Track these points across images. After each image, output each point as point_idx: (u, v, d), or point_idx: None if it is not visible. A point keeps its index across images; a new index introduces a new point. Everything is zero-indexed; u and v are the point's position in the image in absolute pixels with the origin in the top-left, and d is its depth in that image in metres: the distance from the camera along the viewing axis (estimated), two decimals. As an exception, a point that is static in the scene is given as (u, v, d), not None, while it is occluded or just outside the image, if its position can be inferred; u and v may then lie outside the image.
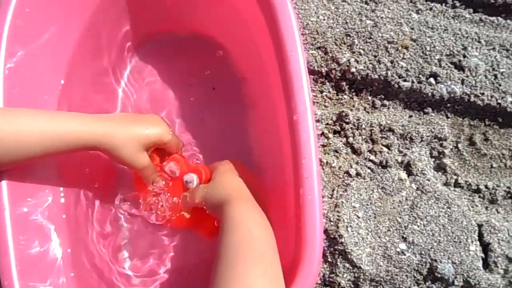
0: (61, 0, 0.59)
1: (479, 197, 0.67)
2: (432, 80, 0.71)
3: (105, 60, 0.68)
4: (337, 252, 0.63)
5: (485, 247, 0.63)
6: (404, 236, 0.63)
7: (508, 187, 0.68)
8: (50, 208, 0.55)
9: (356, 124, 0.70)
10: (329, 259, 0.64)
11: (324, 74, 0.73)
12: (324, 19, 0.75)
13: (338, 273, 0.63)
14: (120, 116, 0.58)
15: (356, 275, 0.63)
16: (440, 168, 0.69)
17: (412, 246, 0.63)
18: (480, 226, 0.64)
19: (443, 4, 0.78)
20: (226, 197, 0.49)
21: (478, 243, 0.63)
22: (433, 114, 0.72)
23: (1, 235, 0.47)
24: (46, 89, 0.59)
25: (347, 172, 0.67)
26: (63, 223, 0.56)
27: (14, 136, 0.44)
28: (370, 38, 0.73)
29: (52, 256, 0.53)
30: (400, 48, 0.72)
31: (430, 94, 0.70)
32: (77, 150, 0.50)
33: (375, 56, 0.72)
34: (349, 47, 0.73)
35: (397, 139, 0.69)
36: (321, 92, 0.73)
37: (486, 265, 0.62)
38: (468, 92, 0.70)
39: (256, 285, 0.36)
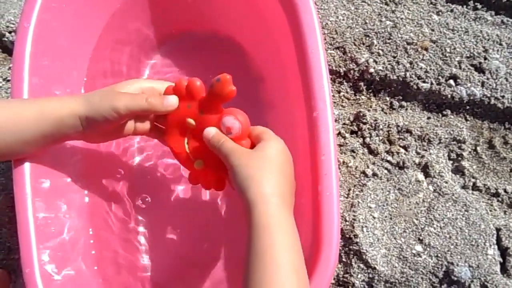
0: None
1: (498, 201, 0.67)
2: (451, 82, 0.70)
3: (126, 59, 0.69)
4: (352, 252, 0.63)
5: (504, 252, 0.62)
6: (420, 238, 0.63)
7: (528, 192, 0.67)
8: (73, 202, 0.56)
9: (374, 125, 0.70)
10: (344, 259, 0.64)
11: (342, 74, 0.73)
12: (343, 19, 0.75)
13: (352, 273, 0.63)
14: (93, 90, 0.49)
15: (371, 275, 0.62)
16: (458, 170, 0.68)
17: (428, 248, 0.62)
18: (498, 230, 0.63)
19: (464, 6, 0.77)
20: (267, 196, 0.39)
21: (496, 247, 0.62)
22: (452, 116, 0.71)
23: (24, 225, 0.48)
24: (68, 83, 0.60)
25: (363, 172, 0.67)
26: (85, 211, 0.57)
27: (9, 122, 0.44)
28: (389, 38, 0.73)
29: (73, 244, 0.54)
30: (419, 49, 0.72)
31: (449, 96, 0.70)
32: (70, 130, 0.46)
33: (394, 57, 0.72)
34: (368, 47, 0.73)
35: (415, 141, 0.69)
36: (339, 92, 0.73)
37: (504, 269, 0.61)
38: (488, 95, 0.69)
39: None
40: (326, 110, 0.46)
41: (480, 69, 0.71)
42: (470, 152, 0.69)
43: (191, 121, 0.49)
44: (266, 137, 0.45)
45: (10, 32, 0.82)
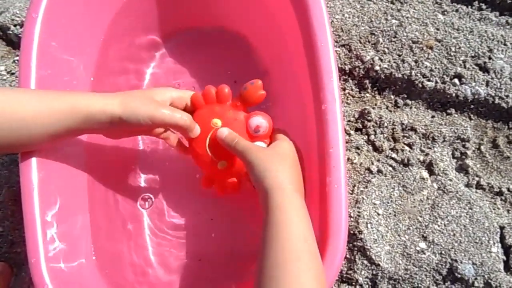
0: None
1: (501, 199, 0.67)
2: (456, 80, 0.70)
3: (133, 52, 0.70)
4: (356, 248, 0.63)
5: (507, 250, 0.62)
6: (424, 235, 0.63)
7: (531, 191, 0.67)
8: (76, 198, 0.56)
9: (378, 122, 0.70)
10: (348, 255, 0.63)
11: (348, 71, 0.73)
12: (349, 17, 0.75)
13: (356, 270, 0.63)
14: (128, 91, 0.52)
15: (374, 272, 0.62)
16: (462, 169, 0.68)
17: (432, 246, 0.62)
18: (502, 228, 0.63)
19: (469, 6, 0.77)
20: (282, 184, 0.44)
21: (499, 245, 0.62)
22: (456, 115, 0.71)
23: (29, 214, 0.48)
24: (76, 74, 0.60)
25: (368, 169, 0.67)
26: (88, 205, 0.57)
27: (42, 115, 0.44)
28: (395, 37, 0.73)
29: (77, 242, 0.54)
30: (424, 48, 0.72)
31: (454, 94, 0.70)
32: (95, 126, 0.47)
33: (400, 55, 0.72)
34: (373, 45, 0.73)
35: (419, 139, 0.69)
36: (344, 89, 0.73)
37: (507, 267, 0.61)
38: (493, 94, 0.69)
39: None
40: (335, 103, 0.46)
41: (484, 69, 0.71)
42: (474, 150, 0.69)
43: (217, 121, 0.53)
44: (279, 138, 0.52)
45: (15, 25, 0.82)
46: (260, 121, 0.52)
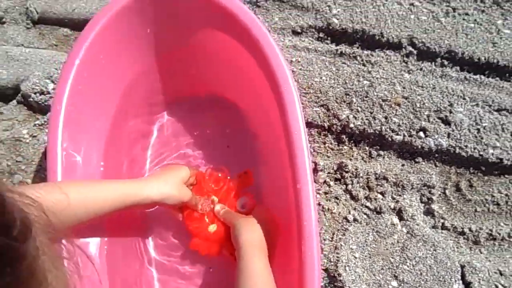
0: (105, 68, 0.71)
1: (464, 238, 0.77)
2: (421, 134, 0.81)
3: (139, 119, 0.80)
4: (337, 288, 0.73)
5: (467, 286, 0.72)
6: (396, 274, 0.73)
7: (490, 230, 0.77)
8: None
9: (355, 173, 0.80)
10: (330, 294, 0.74)
11: (326, 128, 0.83)
12: (326, 80, 0.85)
13: (338, 306, 0.73)
14: (161, 173, 0.70)
15: (354, 308, 0.73)
16: (429, 212, 0.79)
17: (402, 284, 0.72)
18: (462, 266, 0.73)
19: (432, 63, 0.88)
20: (251, 242, 0.62)
21: (460, 281, 0.72)
22: (423, 163, 0.81)
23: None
24: (92, 148, 0.71)
25: (345, 218, 0.77)
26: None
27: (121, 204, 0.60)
28: (366, 96, 0.83)
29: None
30: (393, 105, 0.83)
31: (419, 146, 0.80)
32: (138, 207, 0.63)
33: (371, 113, 0.82)
34: (348, 104, 0.83)
35: (391, 187, 0.79)
36: (324, 143, 0.84)
37: (467, 301, 0.72)
38: (454, 145, 0.80)
39: None
40: (308, 184, 0.56)
41: (446, 121, 0.81)
42: (439, 195, 0.79)
43: (215, 198, 0.73)
44: (257, 211, 0.70)
45: (35, 93, 0.93)
46: (247, 200, 0.73)
